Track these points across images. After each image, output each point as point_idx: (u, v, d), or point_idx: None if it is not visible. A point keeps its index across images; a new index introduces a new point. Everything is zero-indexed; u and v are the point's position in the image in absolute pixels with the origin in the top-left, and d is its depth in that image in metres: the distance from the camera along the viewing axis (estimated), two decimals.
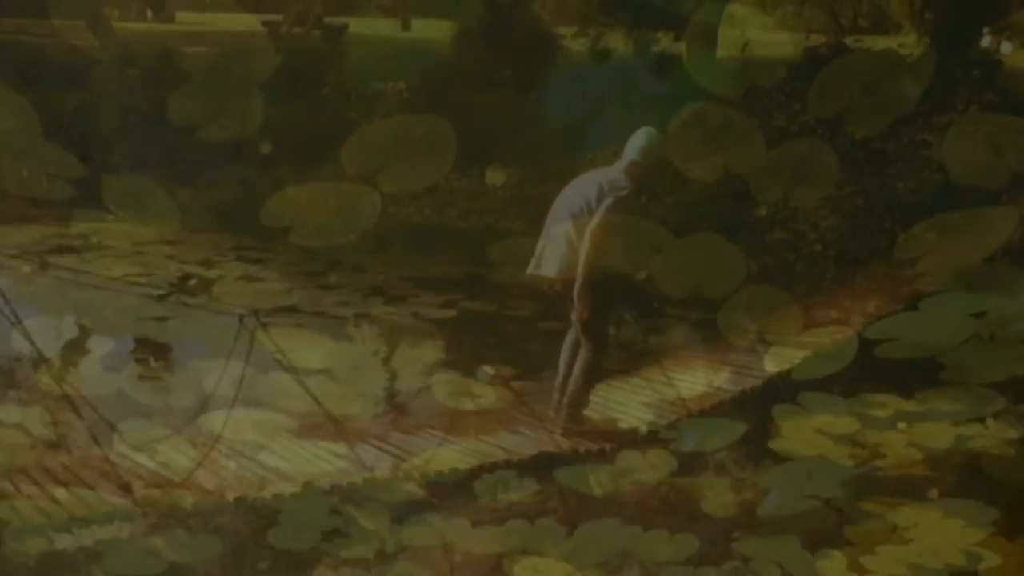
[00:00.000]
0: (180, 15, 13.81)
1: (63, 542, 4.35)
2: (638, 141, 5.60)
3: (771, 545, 4.48)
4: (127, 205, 4.34)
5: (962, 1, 10.77)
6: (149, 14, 13.91)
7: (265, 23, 13.34)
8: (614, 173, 5.61)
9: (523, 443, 5.52)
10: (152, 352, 6.79)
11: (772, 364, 4.67)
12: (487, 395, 6.01)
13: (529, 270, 5.71)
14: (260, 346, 5.12)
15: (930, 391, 5.57)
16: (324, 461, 5.22)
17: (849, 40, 10.64)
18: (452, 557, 4.51)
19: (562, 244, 5.59)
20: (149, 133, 9.03)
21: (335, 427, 5.29)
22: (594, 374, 5.74)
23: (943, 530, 4.57)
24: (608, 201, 5.48)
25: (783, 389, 5.48)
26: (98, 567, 4.31)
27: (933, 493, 4.87)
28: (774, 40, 11.20)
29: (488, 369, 5.85)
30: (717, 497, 4.91)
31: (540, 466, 5.20)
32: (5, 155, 4.27)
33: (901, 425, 5.47)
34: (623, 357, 6.23)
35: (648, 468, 5.15)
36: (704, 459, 5.32)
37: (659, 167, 5.77)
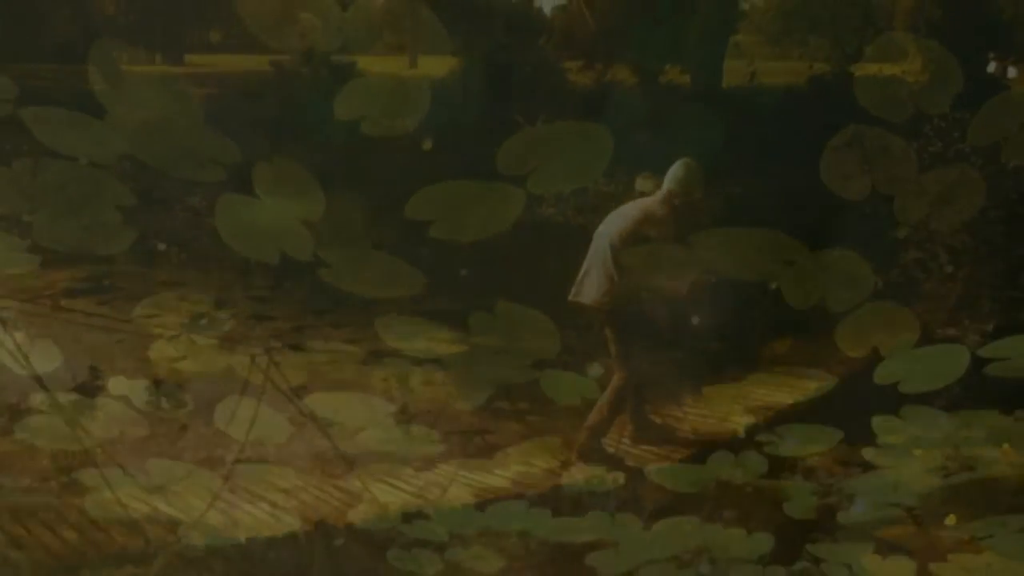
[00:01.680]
0: (188, 57, 13.91)
1: None
2: (677, 171, 5.89)
3: (844, 549, 4.54)
4: (278, 190, 4.40)
5: (967, 27, 10.80)
6: (158, 58, 14.04)
7: (273, 63, 13.43)
8: (651, 202, 5.89)
9: (536, 476, 5.53)
10: (165, 393, 6.78)
11: (880, 376, 4.69)
12: (503, 429, 6.01)
13: (570, 297, 5.86)
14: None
15: None
16: (324, 502, 5.21)
17: (854, 68, 10.67)
18: (527, 543, 4.53)
19: (600, 272, 5.73)
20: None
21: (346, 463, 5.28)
22: (621, 402, 5.85)
23: (1019, 542, 4.58)
24: (644, 229, 5.71)
25: (886, 400, 5.49)
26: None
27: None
28: (780, 69, 11.25)
29: (597, 367, 5.87)
30: (801, 500, 4.96)
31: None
32: (166, 138, 4.36)
33: (998, 444, 5.51)
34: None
35: (739, 470, 5.19)
36: (794, 463, 5.37)
37: (696, 197, 5.96)
